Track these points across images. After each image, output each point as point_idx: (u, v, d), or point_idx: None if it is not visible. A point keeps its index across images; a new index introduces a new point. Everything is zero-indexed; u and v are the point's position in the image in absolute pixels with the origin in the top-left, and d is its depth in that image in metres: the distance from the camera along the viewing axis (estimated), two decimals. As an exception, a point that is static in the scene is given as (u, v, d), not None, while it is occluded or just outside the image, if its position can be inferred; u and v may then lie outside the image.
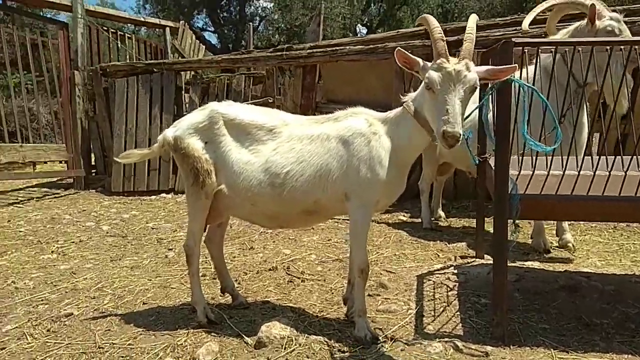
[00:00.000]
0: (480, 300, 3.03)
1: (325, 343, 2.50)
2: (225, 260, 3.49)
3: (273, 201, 2.57)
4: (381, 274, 3.60)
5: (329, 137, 2.52)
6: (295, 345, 2.48)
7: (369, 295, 3.15)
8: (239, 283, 3.42)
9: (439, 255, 4.04)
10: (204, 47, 13.09)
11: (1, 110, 7.43)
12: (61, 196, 7.38)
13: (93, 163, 8.68)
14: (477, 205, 3.91)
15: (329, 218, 2.86)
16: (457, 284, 3.31)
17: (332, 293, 3.24)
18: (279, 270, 3.70)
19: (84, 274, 3.76)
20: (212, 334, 2.63)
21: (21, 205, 6.70)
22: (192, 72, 8.45)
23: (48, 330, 2.77)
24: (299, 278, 3.52)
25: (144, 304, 3.13)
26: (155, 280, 3.56)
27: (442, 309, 2.94)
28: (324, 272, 3.66)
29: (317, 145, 2.53)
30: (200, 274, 3.56)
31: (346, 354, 2.40)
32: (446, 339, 2.50)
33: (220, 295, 3.15)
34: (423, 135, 2.37)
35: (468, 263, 3.76)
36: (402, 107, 2.45)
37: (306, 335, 2.57)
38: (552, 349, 2.40)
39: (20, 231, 5.22)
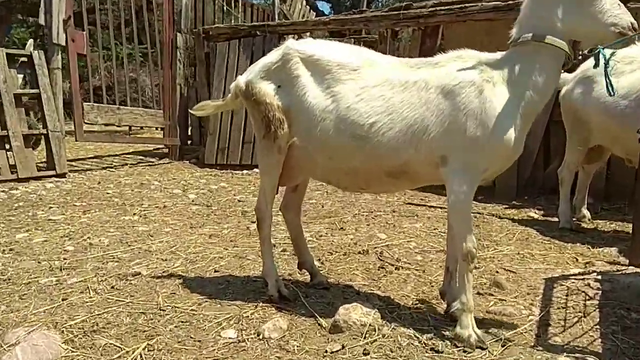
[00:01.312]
0: (630, 314, 2.58)
1: (415, 338, 2.29)
2: (310, 239, 3.42)
3: (353, 155, 2.41)
4: (497, 272, 3.26)
5: (427, 85, 2.30)
6: (378, 335, 2.29)
7: (478, 293, 2.87)
8: (321, 263, 3.31)
9: (577, 260, 3.57)
10: (314, 14, 13.24)
11: (102, 77, 8.26)
12: (154, 165, 7.89)
13: (190, 133, 9.19)
14: (637, 199, 3.37)
15: (418, 185, 2.68)
16: (600, 292, 2.87)
17: (432, 286, 2.99)
18: (369, 255, 3.52)
19: (160, 237, 3.92)
20: (283, 310, 2.55)
21: (114, 170, 7.27)
22: (297, 36, 8.52)
23: (112, 287, 2.89)
24: (392, 265, 3.31)
25: (215, 271, 3.16)
26: (231, 250, 3.59)
27: (575, 319, 2.55)
28: (423, 263, 3.41)
29: (411, 94, 2.32)
30: (281, 249, 3.56)
31: (441, 354, 2.16)
32: (577, 355, 2.14)
33: (299, 272, 3.06)
34: (558, 63, 2.21)
35: (617, 270, 3.26)
36: (519, 43, 2.25)
37: (393, 326, 2.38)
38: None
39: (107, 193, 5.64)
